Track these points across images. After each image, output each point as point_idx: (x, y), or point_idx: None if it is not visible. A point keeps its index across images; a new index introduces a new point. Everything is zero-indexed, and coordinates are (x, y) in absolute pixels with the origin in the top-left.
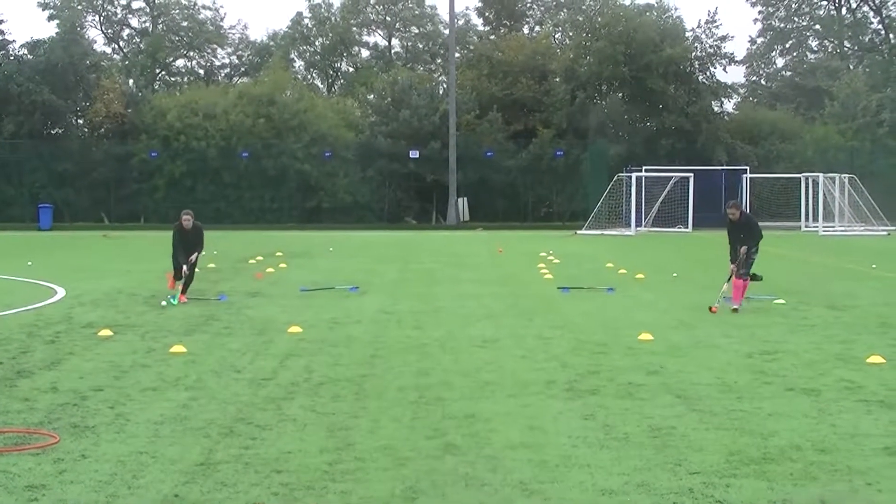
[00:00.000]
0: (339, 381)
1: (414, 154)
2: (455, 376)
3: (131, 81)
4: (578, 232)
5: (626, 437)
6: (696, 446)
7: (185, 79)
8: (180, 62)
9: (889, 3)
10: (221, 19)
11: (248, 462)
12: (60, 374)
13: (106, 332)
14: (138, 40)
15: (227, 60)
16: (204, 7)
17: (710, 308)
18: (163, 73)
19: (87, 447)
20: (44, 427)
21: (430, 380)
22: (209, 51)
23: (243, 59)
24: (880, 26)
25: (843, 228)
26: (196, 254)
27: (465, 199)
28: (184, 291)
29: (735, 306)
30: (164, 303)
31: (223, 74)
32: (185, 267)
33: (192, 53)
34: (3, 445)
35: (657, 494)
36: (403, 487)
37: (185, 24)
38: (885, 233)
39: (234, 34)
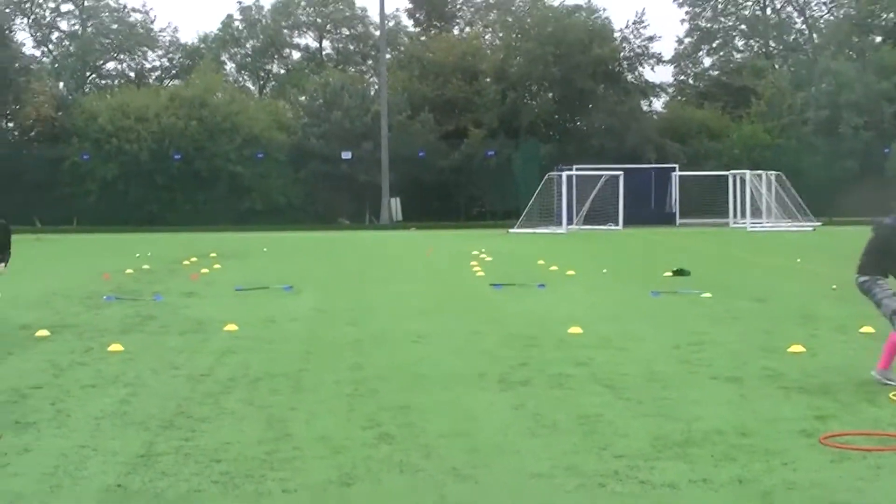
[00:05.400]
0: (276, 376)
1: (346, 155)
2: (389, 370)
3: (61, 84)
4: (510, 231)
5: (554, 425)
6: (621, 432)
7: (116, 81)
8: (111, 65)
9: (812, 4)
10: (151, 22)
11: (188, 453)
12: (0, 373)
13: (43, 333)
14: (68, 43)
15: (157, 63)
16: (133, 10)
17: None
18: (93, 75)
19: (30, 442)
20: None
21: (365, 374)
22: (139, 53)
23: (174, 61)
24: (804, 26)
25: (770, 224)
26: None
27: (398, 199)
28: None
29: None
30: None
31: (154, 77)
32: None
33: (122, 56)
34: None
35: (584, 476)
36: (340, 474)
37: (114, 26)
38: (810, 228)
39: (164, 37)
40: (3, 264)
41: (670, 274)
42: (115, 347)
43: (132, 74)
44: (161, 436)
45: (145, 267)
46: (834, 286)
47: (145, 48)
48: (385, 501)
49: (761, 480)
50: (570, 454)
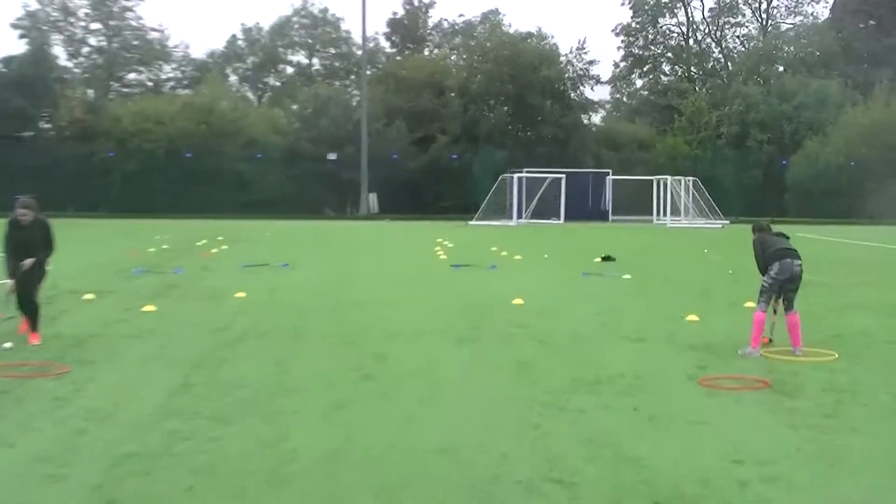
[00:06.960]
0: (279, 330)
1: (332, 156)
2: (368, 327)
3: (90, 91)
4: (469, 223)
5: (498, 367)
6: (548, 374)
7: (137, 90)
8: (132, 75)
9: (728, 37)
10: (167, 39)
11: (215, 384)
12: (61, 325)
13: (89, 296)
14: (96, 56)
15: (172, 74)
16: (152, 29)
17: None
18: (117, 84)
19: (94, 374)
20: (57, 362)
21: (349, 329)
22: (157, 66)
23: (186, 73)
24: (720, 56)
25: (686, 222)
26: (35, 259)
27: (375, 194)
28: (32, 328)
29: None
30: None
31: (168, 87)
32: (12, 282)
33: (142, 68)
34: (31, 373)
35: (518, 402)
36: (334, 400)
37: (135, 42)
38: (720, 226)
39: (177, 52)
40: (31, 259)
41: (599, 260)
42: (149, 308)
43: (150, 84)
44: (194, 372)
45: (165, 247)
46: (730, 271)
47: (161, 62)
48: (369, 421)
49: (650, 408)
50: (510, 387)
